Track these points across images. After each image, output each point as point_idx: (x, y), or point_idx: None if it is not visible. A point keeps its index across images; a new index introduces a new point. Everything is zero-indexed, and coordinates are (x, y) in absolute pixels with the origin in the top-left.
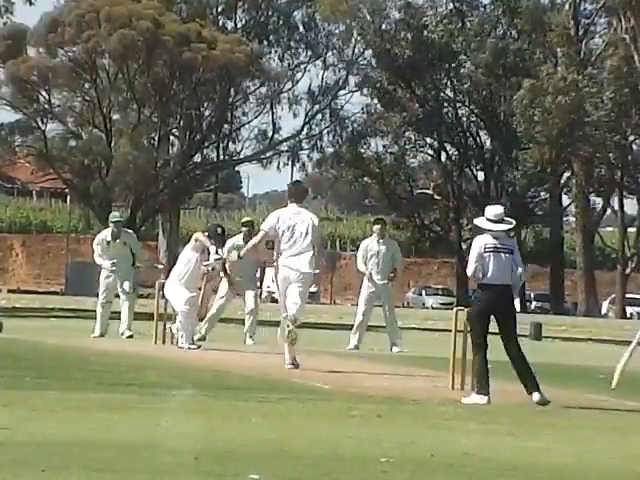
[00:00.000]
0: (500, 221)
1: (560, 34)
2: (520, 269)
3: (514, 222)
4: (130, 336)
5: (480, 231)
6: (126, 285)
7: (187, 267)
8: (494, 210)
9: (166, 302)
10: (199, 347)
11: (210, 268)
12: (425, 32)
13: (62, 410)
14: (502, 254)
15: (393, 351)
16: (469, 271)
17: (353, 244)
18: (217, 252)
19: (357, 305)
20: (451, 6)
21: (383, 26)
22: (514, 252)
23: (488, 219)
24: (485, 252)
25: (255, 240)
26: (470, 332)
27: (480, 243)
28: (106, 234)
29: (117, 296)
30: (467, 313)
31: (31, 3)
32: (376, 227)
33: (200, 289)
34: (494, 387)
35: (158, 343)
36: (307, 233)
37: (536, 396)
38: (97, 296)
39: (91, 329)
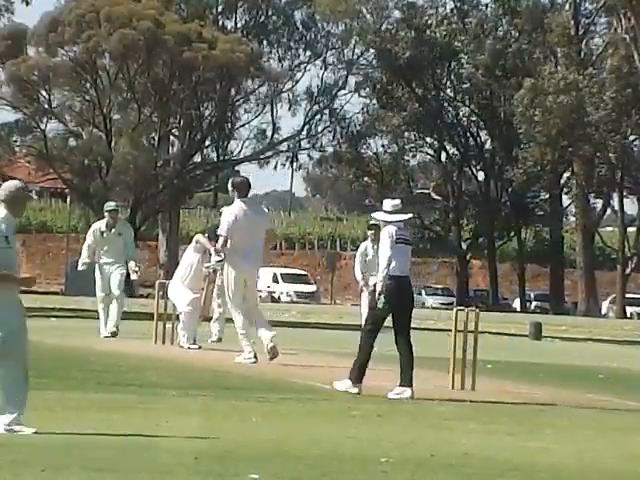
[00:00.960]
0: (398, 212)
1: (560, 34)
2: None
3: (411, 214)
4: (114, 333)
5: (383, 224)
6: (115, 287)
7: (189, 268)
8: (391, 202)
9: (166, 302)
10: (200, 347)
11: (211, 270)
12: (427, 32)
13: (62, 410)
14: (407, 245)
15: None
16: (385, 261)
17: (353, 244)
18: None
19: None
20: (451, 5)
21: (383, 26)
22: (411, 243)
23: (386, 211)
24: (397, 242)
25: (219, 246)
26: (368, 319)
27: (392, 232)
28: (100, 224)
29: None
30: (375, 302)
31: (27, 3)
32: (370, 232)
33: (203, 290)
34: (495, 387)
35: (158, 343)
36: (260, 236)
37: (408, 392)
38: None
39: (92, 329)
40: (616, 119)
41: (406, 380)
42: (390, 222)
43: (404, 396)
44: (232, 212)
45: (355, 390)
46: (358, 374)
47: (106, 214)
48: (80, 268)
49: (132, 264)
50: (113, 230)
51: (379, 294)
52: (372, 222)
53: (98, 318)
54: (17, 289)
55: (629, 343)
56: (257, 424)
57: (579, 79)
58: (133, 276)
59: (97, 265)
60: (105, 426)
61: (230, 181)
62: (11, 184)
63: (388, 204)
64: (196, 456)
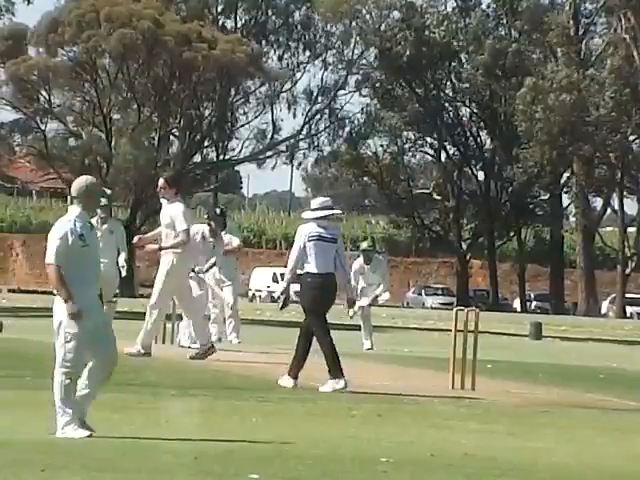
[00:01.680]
0: (325, 209)
1: (560, 34)
2: (341, 258)
3: (339, 210)
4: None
5: (306, 222)
6: (108, 292)
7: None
8: (319, 200)
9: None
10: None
11: (204, 270)
12: (426, 32)
13: None
14: (326, 242)
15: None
16: (291, 260)
17: (353, 244)
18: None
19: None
20: (452, 5)
21: (383, 26)
22: (338, 241)
23: (313, 209)
24: (309, 240)
25: (186, 239)
26: (307, 322)
27: (304, 232)
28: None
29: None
30: (301, 303)
31: (29, 2)
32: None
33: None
34: (495, 387)
35: (158, 343)
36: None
37: (341, 383)
38: None
39: None
40: (616, 119)
41: (337, 373)
42: (316, 218)
43: (337, 387)
44: (185, 207)
45: (341, 384)
46: (335, 369)
47: (97, 210)
48: None
49: (122, 258)
50: (105, 227)
51: (281, 293)
52: (362, 248)
53: None
54: (98, 289)
55: (629, 343)
56: (257, 424)
57: (580, 79)
58: (122, 272)
59: None
60: (105, 426)
61: (164, 179)
62: (82, 180)
63: (316, 202)
64: (196, 456)
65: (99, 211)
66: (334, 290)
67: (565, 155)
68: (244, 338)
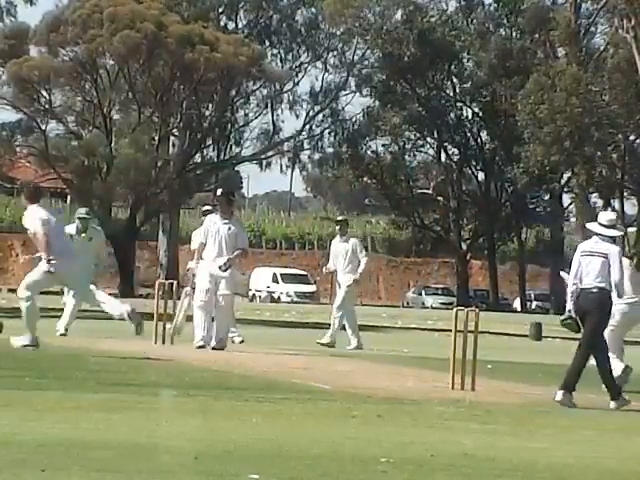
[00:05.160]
0: (612, 227)
1: (562, 33)
2: (614, 275)
3: (623, 231)
4: (63, 334)
5: (589, 235)
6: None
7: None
8: (607, 215)
9: (166, 302)
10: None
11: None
12: (429, 31)
13: (62, 410)
14: (595, 257)
15: (347, 349)
16: (571, 277)
17: None
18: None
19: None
20: (454, 5)
21: (386, 26)
22: (609, 256)
23: (600, 224)
24: (581, 256)
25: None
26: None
27: (580, 248)
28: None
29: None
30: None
31: (32, 3)
32: (337, 228)
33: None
34: (495, 387)
35: (158, 343)
36: None
37: (559, 395)
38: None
39: (92, 329)
40: (617, 119)
41: (568, 387)
42: (600, 234)
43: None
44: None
45: (559, 396)
46: (565, 380)
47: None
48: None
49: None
50: (84, 235)
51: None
52: (339, 218)
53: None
54: None
55: (629, 343)
56: (257, 424)
57: (588, 79)
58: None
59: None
60: (105, 426)
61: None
62: None
63: (604, 217)
64: (196, 456)
65: (77, 222)
66: (592, 307)
67: (571, 157)
68: (245, 338)
